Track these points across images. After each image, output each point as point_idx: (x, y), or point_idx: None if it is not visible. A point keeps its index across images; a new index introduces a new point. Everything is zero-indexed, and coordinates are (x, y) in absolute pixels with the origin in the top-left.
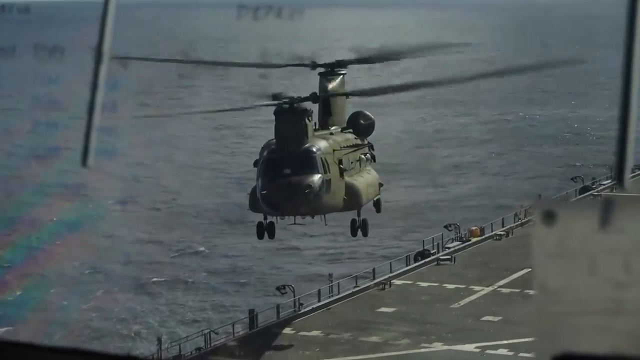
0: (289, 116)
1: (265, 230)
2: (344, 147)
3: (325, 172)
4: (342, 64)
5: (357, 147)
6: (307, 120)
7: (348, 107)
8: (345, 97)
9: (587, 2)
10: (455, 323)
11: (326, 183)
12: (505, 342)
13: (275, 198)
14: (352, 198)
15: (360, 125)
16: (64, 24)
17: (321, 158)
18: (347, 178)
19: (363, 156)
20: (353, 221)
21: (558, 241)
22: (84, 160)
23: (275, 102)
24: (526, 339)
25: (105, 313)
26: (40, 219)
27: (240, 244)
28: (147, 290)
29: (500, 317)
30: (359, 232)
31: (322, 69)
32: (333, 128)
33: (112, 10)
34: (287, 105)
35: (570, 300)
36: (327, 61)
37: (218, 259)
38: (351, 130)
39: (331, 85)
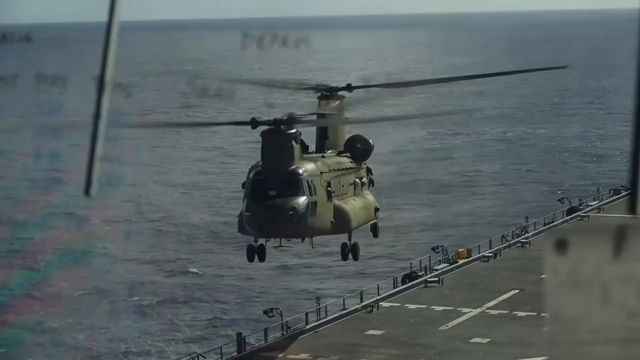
0: (275, 138)
1: (255, 254)
2: (334, 169)
3: (310, 195)
4: (353, 88)
5: (349, 170)
6: (293, 143)
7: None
8: (343, 119)
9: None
10: (443, 345)
11: (312, 206)
12: None
13: (259, 220)
14: (341, 222)
15: (357, 149)
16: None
17: (307, 180)
18: (336, 201)
19: (358, 180)
20: (343, 245)
21: (571, 270)
22: (87, 190)
23: (265, 121)
24: None
25: (93, 335)
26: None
27: (230, 265)
28: (136, 312)
29: (488, 339)
30: (350, 256)
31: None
32: (329, 151)
33: (114, 39)
34: (273, 127)
35: (584, 329)
36: (338, 85)
37: (207, 280)
38: (348, 154)
39: (328, 109)
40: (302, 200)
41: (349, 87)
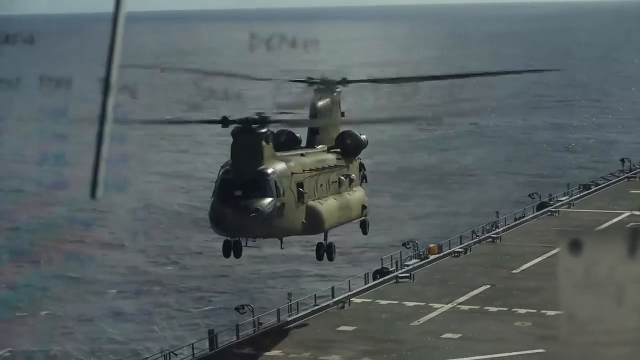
0: (245, 138)
1: (231, 249)
2: (311, 169)
3: (278, 196)
4: (347, 82)
5: (332, 168)
6: (263, 143)
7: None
8: (336, 115)
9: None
10: (415, 341)
11: (278, 207)
12: (465, 359)
13: (223, 220)
14: (313, 223)
15: (347, 145)
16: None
17: (275, 181)
18: (310, 202)
19: (344, 177)
20: (319, 245)
21: (585, 271)
22: (93, 192)
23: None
24: (486, 356)
25: (65, 329)
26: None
27: (201, 260)
28: (105, 309)
29: (460, 334)
30: (326, 257)
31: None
32: (319, 147)
33: (119, 41)
34: (244, 126)
35: (598, 330)
36: (334, 78)
37: (178, 276)
38: (338, 149)
39: (322, 104)
40: (268, 201)
41: (344, 81)
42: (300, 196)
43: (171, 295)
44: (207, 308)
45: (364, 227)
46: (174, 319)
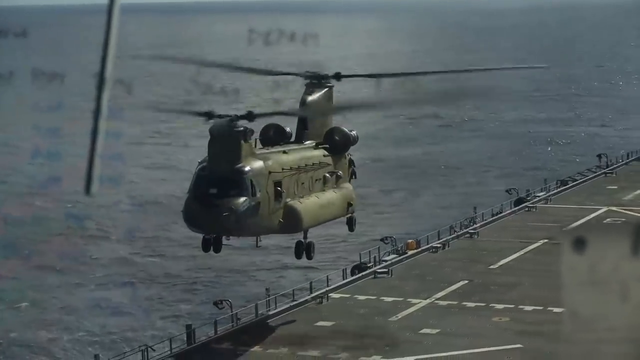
0: (222, 135)
1: (210, 244)
2: (292, 167)
3: (253, 195)
4: (341, 76)
5: (317, 165)
6: (241, 140)
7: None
8: (327, 110)
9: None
10: (393, 336)
11: (253, 206)
12: (443, 354)
13: (195, 217)
14: (291, 222)
15: (335, 142)
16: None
17: (250, 180)
18: (288, 201)
19: (329, 175)
20: (298, 243)
21: (589, 268)
22: (88, 188)
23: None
24: (464, 351)
25: (42, 322)
26: None
27: (179, 255)
28: (87, 298)
29: (438, 330)
30: (305, 255)
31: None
32: (307, 143)
33: (114, 36)
34: (222, 123)
35: (602, 328)
36: (328, 73)
37: (156, 270)
38: (327, 145)
39: (313, 97)
40: (242, 200)
41: (337, 76)
42: (278, 195)
43: (148, 290)
44: (185, 303)
45: (350, 224)
46: (152, 313)
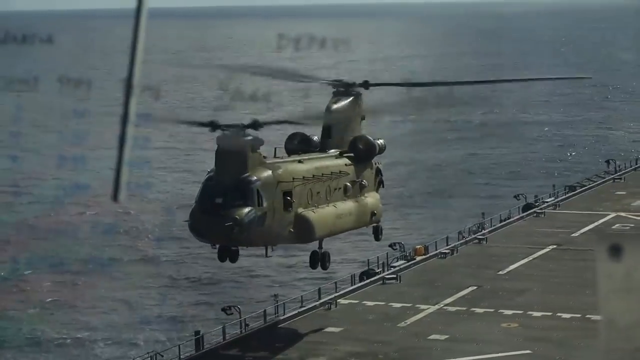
0: (228, 145)
1: (226, 255)
2: (307, 176)
3: (259, 205)
4: (369, 85)
5: (336, 174)
6: (247, 150)
7: None
8: (353, 118)
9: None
10: (402, 342)
11: (259, 216)
12: None
13: (200, 227)
14: (303, 231)
15: (358, 150)
16: None
17: (257, 190)
18: (300, 210)
19: (350, 183)
20: (313, 253)
21: (626, 276)
22: (115, 195)
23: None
24: (473, 357)
25: (52, 327)
26: None
27: (188, 262)
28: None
29: (447, 336)
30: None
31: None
32: (331, 151)
33: (141, 40)
34: (228, 133)
35: None
36: (355, 81)
37: (165, 277)
38: (352, 154)
39: (337, 105)
40: (247, 210)
41: (365, 84)
42: (287, 205)
43: (157, 296)
44: (194, 309)
45: (376, 233)
46: (161, 320)
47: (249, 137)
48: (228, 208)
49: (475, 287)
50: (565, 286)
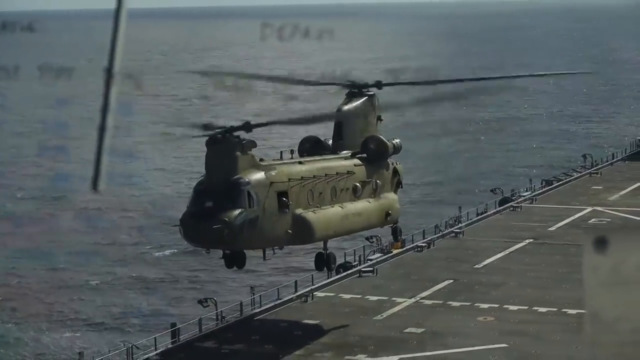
0: (217, 147)
1: (233, 261)
2: (306, 177)
3: (250, 207)
4: (382, 85)
5: (341, 175)
6: (237, 152)
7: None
8: (366, 119)
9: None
10: (378, 335)
11: (250, 219)
12: (428, 353)
13: (190, 231)
14: (301, 233)
15: (370, 150)
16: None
17: (248, 192)
18: (298, 211)
19: (359, 184)
20: (319, 255)
21: (612, 269)
22: (95, 185)
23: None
24: (449, 350)
25: (23, 321)
26: None
27: (162, 254)
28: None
29: (423, 329)
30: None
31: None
32: (343, 153)
33: (122, 29)
34: (219, 136)
35: (627, 330)
36: (368, 82)
37: (140, 269)
38: (364, 155)
39: (349, 106)
40: (236, 213)
41: (378, 84)
42: (283, 205)
43: (133, 288)
44: (170, 301)
45: (395, 234)
46: (136, 312)
47: (239, 139)
48: (217, 211)
49: (451, 281)
50: (542, 280)
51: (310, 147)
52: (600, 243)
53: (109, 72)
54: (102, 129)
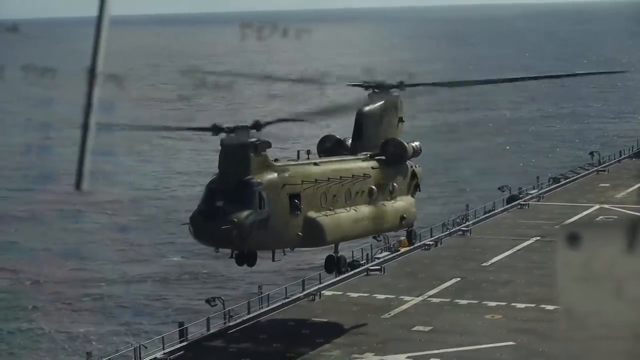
0: (231, 147)
1: (244, 259)
2: (320, 179)
3: (261, 207)
4: (405, 86)
5: (357, 178)
6: (250, 152)
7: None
8: (386, 120)
9: None
10: (386, 333)
11: (260, 219)
12: (436, 351)
13: (199, 230)
14: (311, 235)
15: (388, 153)
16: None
17: (259, 192)
18: (310, 214)
19: (375, 187)
20: (329, 258)
21: (584, 264)
22: (78, 184)
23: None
24: (457, 349)
25: (29, 325)
26: None
27: (171, 254)
28: (73, 303)
29: (430, 327)
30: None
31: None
32: (361, 154)
33: (105, 30)
34: (231, 136)
35: (597, 325)
36: (391, 82)
37: (147, 270)
38: (383, 157)
39: (370, 107)
40: (246, 213)
41: (400, 85)
42: (295, 208)
43: (141, 288)
44: (178, 301)
45: (410, 237)
46: (144, 311)
47: (253, 139)
48: (227, 211)
49: (459, 279)
50: (549, 278)
51: (331, 147)
52: (573, 239)
53: (92, 72)
54: (84, 128)
